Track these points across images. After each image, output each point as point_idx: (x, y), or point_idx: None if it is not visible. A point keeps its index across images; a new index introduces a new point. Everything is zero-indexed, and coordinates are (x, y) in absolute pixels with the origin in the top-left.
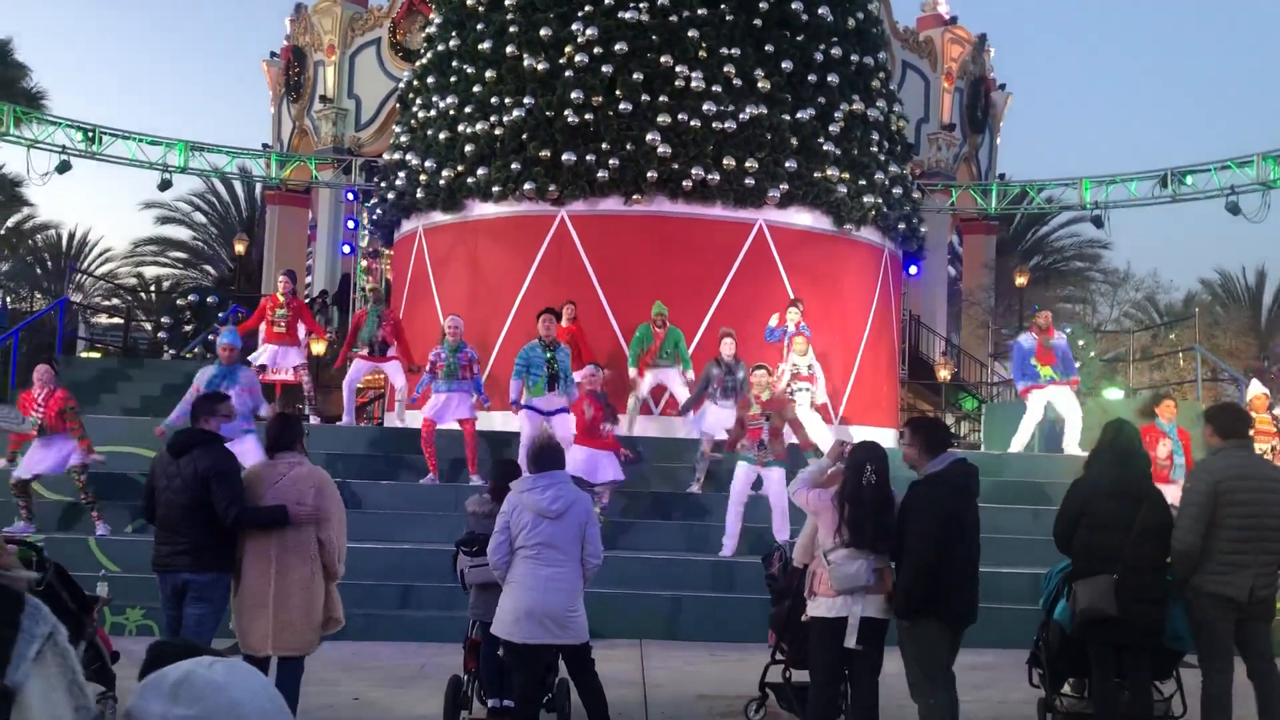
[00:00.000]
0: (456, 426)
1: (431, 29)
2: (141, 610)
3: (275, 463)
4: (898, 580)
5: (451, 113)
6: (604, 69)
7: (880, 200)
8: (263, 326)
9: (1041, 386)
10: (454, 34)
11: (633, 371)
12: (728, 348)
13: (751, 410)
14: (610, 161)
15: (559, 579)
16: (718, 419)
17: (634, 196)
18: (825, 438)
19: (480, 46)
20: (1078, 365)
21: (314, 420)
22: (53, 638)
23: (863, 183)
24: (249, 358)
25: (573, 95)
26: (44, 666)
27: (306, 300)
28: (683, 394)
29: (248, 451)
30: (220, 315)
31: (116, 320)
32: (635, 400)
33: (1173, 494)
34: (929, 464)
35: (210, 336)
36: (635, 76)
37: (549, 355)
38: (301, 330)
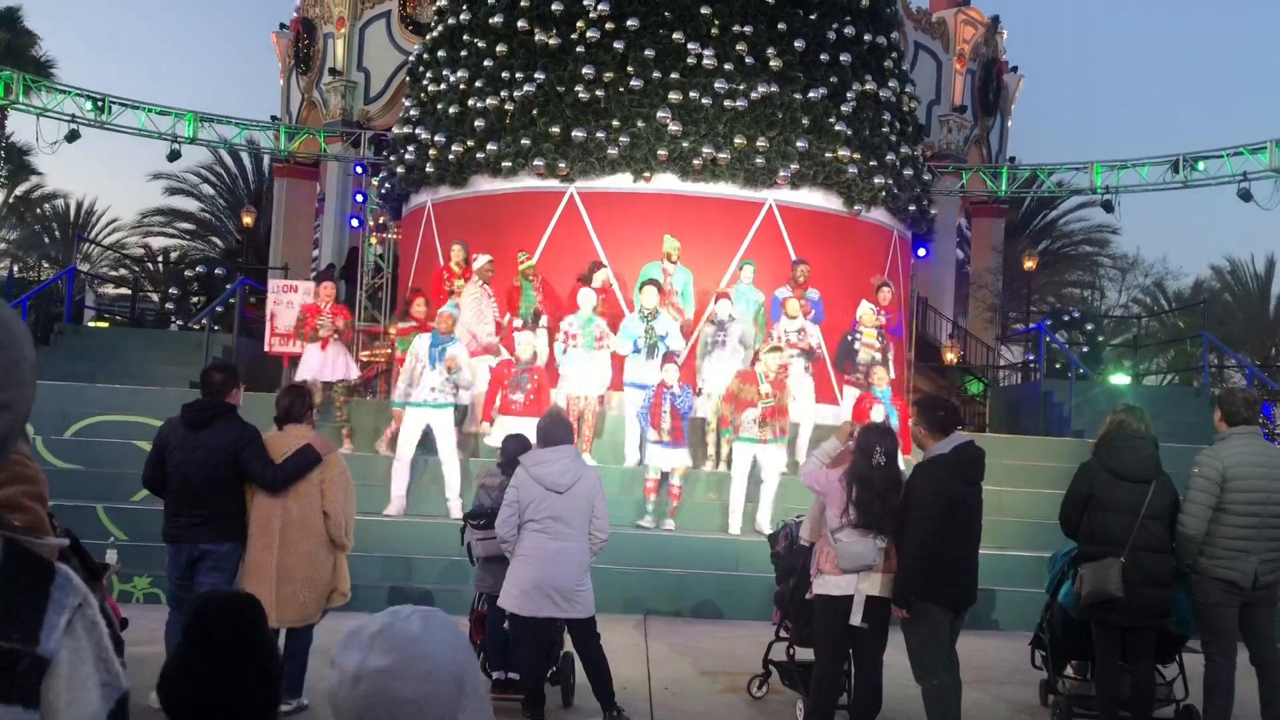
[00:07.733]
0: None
1: (442, 2)
2: (149, 578)
3: (285, 434)
4: (897, 569)
5: (462, 87)
6: (615, 45)
7: (891, 181)
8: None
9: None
10: (465, 7)
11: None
12: (725, 309)
13: (760, 389)
14: (620, 139)
15: (566, 553)
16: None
17: (643, 174)
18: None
19: (491, 20)
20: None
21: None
22: (82, 609)
23: (873, 163)
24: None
25: (584, 71)
26: (73, 638)
27: (313, 275)
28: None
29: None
30: (228, 287)
31: (124, 290)
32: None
33: None
34: (934, 446)
35: (219, 309)
36: (647, 53)
37: (648, 325)
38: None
